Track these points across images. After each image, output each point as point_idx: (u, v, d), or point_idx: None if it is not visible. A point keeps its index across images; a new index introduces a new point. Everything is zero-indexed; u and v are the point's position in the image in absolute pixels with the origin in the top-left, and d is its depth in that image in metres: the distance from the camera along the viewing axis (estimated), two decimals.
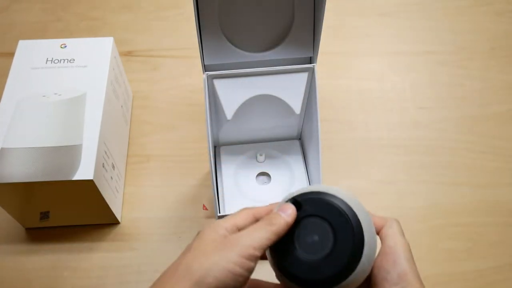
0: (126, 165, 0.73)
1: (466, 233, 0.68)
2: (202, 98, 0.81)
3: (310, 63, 0.60)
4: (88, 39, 0.68)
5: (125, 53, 0.86)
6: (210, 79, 0.59)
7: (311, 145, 0.64)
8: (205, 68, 0.59)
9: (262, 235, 0.37)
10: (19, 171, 0.56)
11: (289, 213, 0.39)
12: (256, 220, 0.40)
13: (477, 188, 0.72)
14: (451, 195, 0.72)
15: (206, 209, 0.69)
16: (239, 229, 0.38)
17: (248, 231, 0.37)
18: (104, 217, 0.66)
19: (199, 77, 0.84)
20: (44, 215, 0.64)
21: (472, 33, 0.90)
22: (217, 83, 0.59)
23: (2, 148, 0.57)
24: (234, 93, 0.59)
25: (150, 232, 0.68)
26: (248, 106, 0.60)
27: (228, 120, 0.60)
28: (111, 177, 0.64)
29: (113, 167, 0.65)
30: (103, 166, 0.60)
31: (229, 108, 0.60)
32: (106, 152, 0.61)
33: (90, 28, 0.90)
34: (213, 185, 0.58)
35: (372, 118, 0.79)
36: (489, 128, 0.78)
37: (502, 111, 0.80)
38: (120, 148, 0.70)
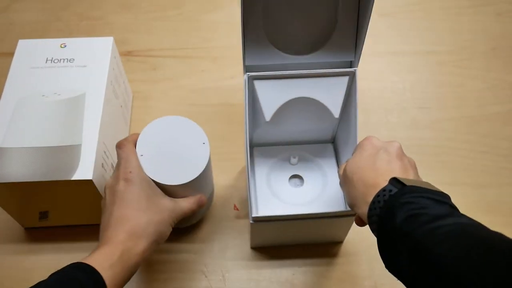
0: None
1: None
2: (202, 98, 0.81)
3: (351, 67, 0.60)
4: (88, 39, 0.68)
5: (125, 53, 0.86)
6: (251, 80, 0.59)
7: (346, 149, 0.64)
8: (246, 69, 0.59)
9: (189, 207, 0.56)
10: (18, 171, 0.56)
11: (204, 199, 0.59)
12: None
13: (477, 188, 0.72)
14: (451, 195, 0.71)
15: (237, 209, 0.69)
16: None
17: (179, 202, 0.55)
18: None
19: (199, 77, 0.84)
20: (43, 215, 0.64)
21: (472, 33, 0.90)
22: (258, 84, 0.59)
23: (1, 148, 0.57)
24: (273, 95, 0.59)
25: None
26: (287, 108, 0.60)
27: (266, 122, 0.60)
28: None
29: (113, 167, 0.65)
30: (102, 166, 0.60)
31: (268, 109, 0.60)
32: (105, 152, 0.61)
33: (90, 28, 0.90)
34: (248, 187, 0.58)
35: (372, 118, 0.79)
36: (489, 128, 0.78)
37: (502, 111, 0.80)
38: None
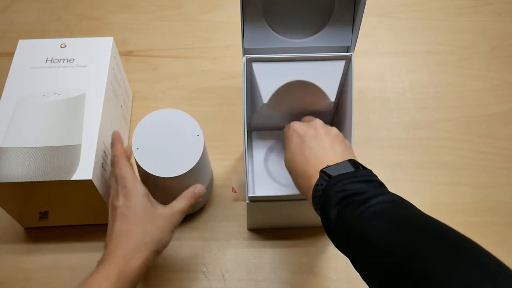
0: None
1: (466, 233, 0.67)
2: (202, 98, 0.81)
3: (348, 52, 0.61)
4: (88, 39, 0.68)
5: (125, 53, 0.86)
6: (249, 62, 0.60)
7: (342, 133, 0.64)
8: (245, 51, 0.60)
9: (184, 209, 0.55)
10: (18, 171, 0.56)
11: (200, 189, 0.58)
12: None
13: (477, 188, 0.72)
14: (451, 195, 0.72)
15: (235, 191, 0.71)
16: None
17: (172, 207, 0.55)
18: (103, 217, 0.65)
19: (199, 77, 0.84)
20: (43, 215, 0.64)
21: (472, 33, 0.90)
22: (256, 66, 0.60)
23: (1, 148, 0.57)
24: (271, 77, 0.60)
25: None
26: (284, 91, 0.61)
27: (264, 104, 0.61)
28: (110, 177, 0.63)
29: None
30: (102, 166, 0.60)
31: (266, 91, 0.60)
32: (105, 152, 0.61)
33: (90, 28, 0.90)
34: (245, 168, 0.59)
35: (372, 118, 0.79)
36: (489, 128, 0.78)
37: (502, 111, 0.80)
38: None
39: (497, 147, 0.76)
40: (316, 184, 0.47)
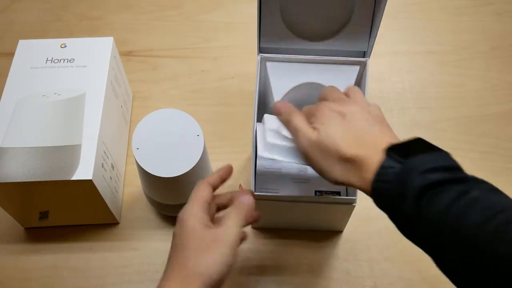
0: (126, 165, 0.73)
1: None
2: (202, 98, 0.81)
3: (364, 57, 0.61)
4: (88, 39, 0.68)
5: (125, 53, 0.86)
6: (264, 61, 0.60)
7: None
8: (260, 50, 0.60)
9: (238, 224, 0.46)
10: (18, 171, 0.56)
11: (249, 197, 0.48)
12: (213, 188, 0.49)
13: None
14: None
15: (242, 189, 0.70)
16: (209, 202, 0.47)
17: (227, 224, 0.45)
18: (103, 217, 0.66)
19: (199, 77, 0.84)
20: (43, 215, 0.64)
21: (472, 33, 0.90)
22: (270, 65, 0.60)
23: (1, 148, 0.57)
24: (285, 77, 0.60)
25: (150, 232, 0.68)
26: (296, 92, 0.61)
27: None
28: (110, 177, 0.64)
29: (113, 167, 0.65)
30: (102, 166, 0.60)
31: (278, 91, 0.60)
32: (105, 152, 0.61)
33: (90, 28, 0.90)
34: (253, 166, 0.58)
35: None
36: (489, 128, 0.78)
37: (502, 111, 0.80)
38: (120, 148, 0.70)
39: (497, 147, 0.76)
40: (383, 167, 0.39)
